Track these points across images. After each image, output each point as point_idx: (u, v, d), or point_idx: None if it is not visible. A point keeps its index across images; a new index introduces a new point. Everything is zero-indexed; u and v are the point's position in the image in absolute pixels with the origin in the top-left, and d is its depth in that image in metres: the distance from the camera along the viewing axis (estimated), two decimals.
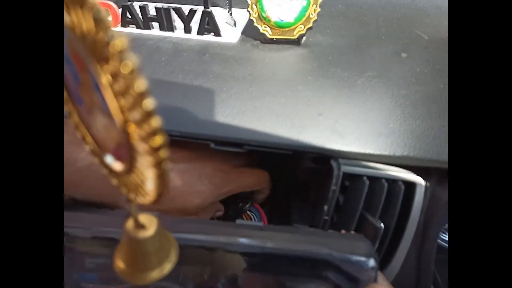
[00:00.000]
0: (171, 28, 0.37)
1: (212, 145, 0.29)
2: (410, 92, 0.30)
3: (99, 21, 0.08)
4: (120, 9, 0.38)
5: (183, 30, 0.37)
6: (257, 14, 0.35)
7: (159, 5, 0.36)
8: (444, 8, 0.44)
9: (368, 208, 0.29)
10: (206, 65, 0.33)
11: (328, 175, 0.28)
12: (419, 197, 0.27)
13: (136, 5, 0.37)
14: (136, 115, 0.09)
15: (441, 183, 0.28)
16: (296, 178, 0.35)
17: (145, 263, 0.14)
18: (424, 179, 0.27)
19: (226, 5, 0.39)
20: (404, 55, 0.34)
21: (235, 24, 0.39)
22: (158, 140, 0.09)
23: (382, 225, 0.28)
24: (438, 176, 0.27)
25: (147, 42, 0.37)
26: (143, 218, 0.14)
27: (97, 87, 0.10)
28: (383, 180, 0.28)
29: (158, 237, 0.14)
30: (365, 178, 0.28)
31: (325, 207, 0.28)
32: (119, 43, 0.08)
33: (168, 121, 0.28)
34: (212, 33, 0.37)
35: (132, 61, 0.08)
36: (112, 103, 0.09)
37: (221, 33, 0.37)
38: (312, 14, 0.34)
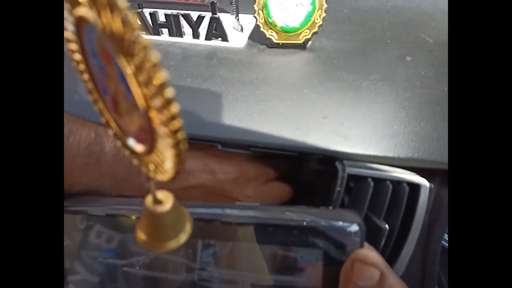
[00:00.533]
0: (180, 34, 0.38)
1: (219, 147, 0.30)
2: (415, 95, 0.30)
3: (127, 23, 0.09)
4: None
5: (192, 36, 0.38)
6: (263, 19, 0.36)
7: (169, 11, 0.37)
8: (447, 10, 0.44)
9: (373, 209, 0.29)
10: (214, 69, 0.34)
11: (333, 176, 0.29)
12: (423, 198, 0.28)
13: (146, 12, 0.38)
14: (157, 102, 0.10)
15: (445, 185, 0.28)
16: (302, 180, 0.35)
17: (164, 234, 0.16)
18: (428, 180, 0.28)
19: (233, 11, 0.40)
20: (409, 58, 0.35)
21: (242, 30, 0.40)
22: (177, 124, 0.10)
23: (387, 226, 0.28)
24: (442, 177, 0.28)
25: (157, 48, 0.38)
26: (161, 194, 0.15)
27: (122, 78, 0.11)
28: (388, 182, 0.28)
29: (174, 211, 0.16)
30: (369, 179, 0.28)
31: (330, 208, 0.29)
32: (144, 42, 0.09)
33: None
34: (220, 38, 0.38)
35: (154, 56, 0.09)
36: (137, 92, 0.10)
37: (229, 38, 0.38)
38: (317, 19, 0.35)
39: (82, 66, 0.14)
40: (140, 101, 0.11)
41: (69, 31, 0.13)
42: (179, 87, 0.32)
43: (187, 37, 0.39)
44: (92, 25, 0.10)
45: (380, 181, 0.28)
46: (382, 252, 0.29)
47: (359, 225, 0.23)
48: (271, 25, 0.36)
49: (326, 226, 0.24)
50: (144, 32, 0.39)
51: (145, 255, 0.25)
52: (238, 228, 0.25)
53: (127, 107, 0.13)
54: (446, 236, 0.35)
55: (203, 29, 0.38)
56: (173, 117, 0.10)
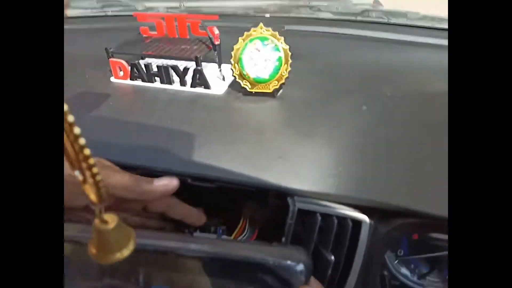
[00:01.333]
0: (169, 81, 0.45)
1: (189, 181, 0.34)
2: (361, 141, 0.34)
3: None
4: (130, 67, 0.46)
5: (179, 83, 0.45)
6: (238, 71, 0.42)
7: (160, 63, 0.44)
8: (414, 66, 0.49)
9: (322, 242, 0.32)
10: (194, 113, 0.40)
11: (285, 211, 0.32)
12: (364, 233, 0.31)
13: (142, 63, 0.45)
14: (77, 147, 0.15)
15: (382, 221, 0.31)
16: (260, 214, 0.38)
17: (109, 248, 0.20)
18: (369, 217, 0.31)
19: (216, 63, 0.46)
20: (364, 108, 0.39)
21: (224, 79, 0.46)
22: (91, 162, 0.15)
23: (333, 257, 0.31)
24: (380, 214, 0.31)
25: (148, 93, 0.44)
26: (107, 216, 0.20)
27: None
28: (334, 217, 0.32)
29: (118, 229, 0.20)
30: (318, 214, 0.32)
31: (283, 239, 0.32)
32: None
33: (154, 159, 0.34)
34: (203, 86, 0.44)
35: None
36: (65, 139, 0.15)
37: (211, 86, 0.44)
38: (284, 72, 0.40)
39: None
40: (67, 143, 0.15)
41: None
42: (159, 128, 0.38)
43: (176, 85, 0.45)
44: None
45: (327, 217, 0.32)
46: (330, 282, 0.31)
47: (304, 264, 0.25)
48: (245, 76, 0.41)
49: (274, 264, 0.25)
50: (140, 80, 0.46)
51: None
52: (191, 261, 0.27)
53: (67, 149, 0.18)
54: (395, 267, 0.37)
55: (189, 78, 0.44)
56: (86, 157, 0.15)
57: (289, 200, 0.32)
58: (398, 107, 0.39)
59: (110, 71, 0.48)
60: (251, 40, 0.40)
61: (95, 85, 0.46)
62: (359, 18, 0.68)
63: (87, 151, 0.15)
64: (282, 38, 0.40)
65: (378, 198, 0.30)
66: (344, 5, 0.73)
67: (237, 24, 0.60)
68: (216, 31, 0.44)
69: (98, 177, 0.15)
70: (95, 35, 0.66)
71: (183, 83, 0.44)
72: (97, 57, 0.52)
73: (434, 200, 0.29)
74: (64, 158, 0.19)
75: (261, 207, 0.38)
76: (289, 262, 0.25)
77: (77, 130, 0.14)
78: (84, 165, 0.15)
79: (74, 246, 0.27)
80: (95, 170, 0.15)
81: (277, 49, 0.40)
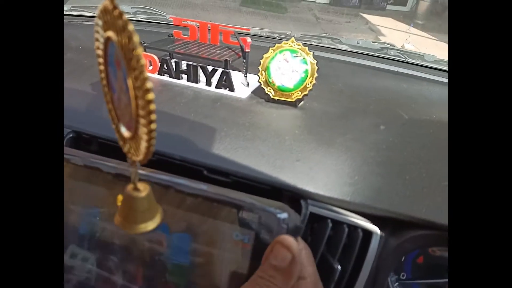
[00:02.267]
0: (196, 80, 0.46)
1: (205, 172, 0.35)
2: (378, 155, 0.35)
3: (131, 39, 0.15)
4: (160, 62, 0.48)
5: (205, 83, 0.46)
6: (264, 78, 0.43)
7: (190, 62, 0.46)
8: (430, 98, 0.50)
9: (329, 249, 0.32)
10: (216, 110, 0.41)
11: (298, 213, 0.32)
12: (374, 244, 0.31)
13: (172, 60, 0.47)
14: (142, 101, 0.15)
15: (394, 234, 0.31)
16: None
17: (135, 218, 0.20)
18: (380, 229, 0.31)
19: (243, 70, 0.48)
20: (382, 127, 0.40)
21: (248, 85, 0.47)
22: (152, 117, 0.15)
23: (339, 266, 0.31)
24: (391, 227, 0.31)
25: (174, 88, 0.45)
26: (140, 184, 0.20)
27: (125, 81, 0.17)
28: (345, 225, 0.32)
29: (148, 199, 0.20)
30: (329, 220, 0.32)
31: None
32: (139, 51, 0.15)
33: (174, 147, 0.35)
34: (227, 88, 0.45)
35: (143, 64, 0.15)
36: (132, 92, 0.16)
37: (235, 89, 0.45)
38: (308, 85, 0.42)
39: (103, 74, 0.20)
40: (133, 98, 0.16)
41: (100, 49, 0.19)
42: (183, 119, 0.39)
43: (201, 84, 0.46)
44: (113, 42, 0.17)
45: (338, 224, 0.32)
46: None
47: (289, 214, 0.26)
48: (270, 83, 0.43)
49: (260, 208, 0.27)
50: (167, 75, 0.48)
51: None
52: (188, 198, 0.28)
53: (125, 103, 0.19)
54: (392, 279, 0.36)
55: (215, 80, 0.46)
56: (150, 112, 0.15)
57: (302, 202, 0.32)
58: (415, 129, 0.40)
59: None
60: (281, 51, 0.42)
61: None
62: (377, 54, 0.72)
63: (153, 106, 0.15)
64: (311, 53, 0.42)
65: (392, 208, 0.30)
66: (364, 40, 0.77)
67: (262, 44, 0.63)
68: (249, 39, 0.46)
69: (154, 134, 0.16)
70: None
71: (208, 83, 0.46)
72: None
73: (445, 211, 0.29)
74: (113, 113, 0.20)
75: None
76: (273, 209, 0.27)
77: (149, 84, 0.15)
78: (143, 121, 0.16)
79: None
80: (153, 126, 0.16)
81: (305, 62, 0.42)
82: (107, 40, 0.18)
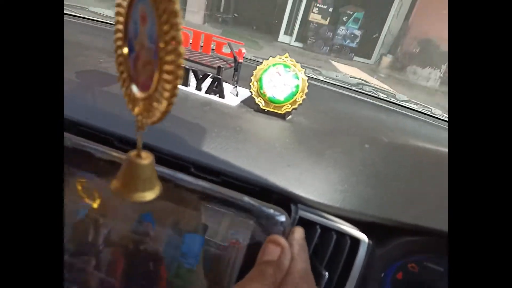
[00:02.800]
0: (186, 83, 0.46)
1: (192, 169, 0.33)
2: (366, 169, 0.36)
3: None
4: None
5: (195, 87, 0.46)
6: (256, 88, 0.44)
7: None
8: (406, 130, 0.54)
9: (318, 256, 0.31)
10: (205, 113, 0.40)
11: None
12: (362, 252, 0.30)
13: None
14: (170, 56, 0.15)
15: (381, 242, 0.31)
16: None
17: (135, 186, 0.18)
18: (368, 237, 0.31)
19: (233, 80, 0.49)
20: (367, 146, 0.42)
21: (237, 95, 0.48)
22: (180, 72, 0.15)
23: (327, 273, 0.30)
24: (379, 234, 0.31)
25: None
26: (143, 152, 0.19)
27: (150, 35, 0.16)
28: (333, 232, 0.31)
29: (150, 168, 0.19)
30: (317, 226, 0.31)
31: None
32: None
33: (164, 142, 0.33)
34: (218, 95, 0.45)
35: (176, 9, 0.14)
36: (161, 39, 0.15)
37: (225, 96, 0.45)
38: (298, 99, 0.43)
39: (119, 34, 0.19)
40: (161, 44, 0.16)
41: (122, 6, 0.19)
42: (172, 117, 0.37)
43: (191, 88, 0.46)
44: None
45: (326, 230, 0.31)
46: None
47: (286, 217, 0.27)
48: (261, 94, 0.44)
49: (259, 210, 0.28)
50: None
51: None
52: (187, 193, 0.28)
53: (143, 61, 0.18)
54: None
55: (205, 86, 0.46)
56: (178, 65, 0.15)
57: (292, 207, 0.32)
58: (396, 149, 0.42)
59: None
60: (274, 65, 0.43)
61: (110, 68, 0.46)
62: (353, 88, 0.76)
63: (181, 60, 0.15)
64: (303, 70, 0.44)
65: (381, 214, 0.30)
66: (342, 75, 0.82)
67: (247, 63, 0.65)
68: (244, 50, 0.47)
69: (177, 91, 0.16)
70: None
71: (199, 87, 0.46)
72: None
73: (433, 216, 0.30)
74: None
75: None
76: (272, 211, 0.28)
77: (179, 20, 0.15)
78: (167, 76, 0.16)
79: None
80: (182, 50, 0.15)
81: (297, 77, 0.43)
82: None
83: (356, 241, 0.31)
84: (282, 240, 0.26)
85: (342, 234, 0.31)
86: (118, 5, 0.19)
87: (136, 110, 0.19)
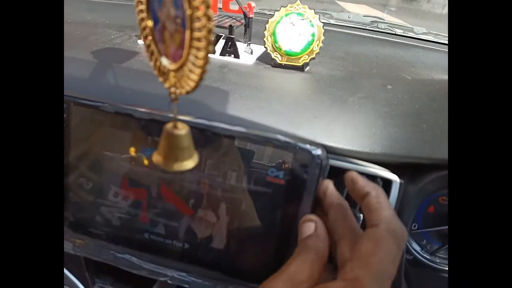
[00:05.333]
0: None
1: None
2: (392, 110, 0.36)
3: None
4: None
5: None
6: (271, 43, 0.43)
7: None
8: (428, 64, 0.52)
9: (350, 201, 0.32)
10: (224, 75, 0.40)
11: None
12: (394, 192, 0.32)
13: None
14: (198, 22, 0.15)
15: (413, 180, 0.32)
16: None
17: (175, 156, 0.20)
18: (399, 177, 0.32)
19: (245, 38, 0.48)
20: (389, 87, 0.41)
21: (251, 53, 0.47)
22: (210, 39, 0.15)
23: (361, 215, 0.32)
24: (410, 173, 0.32)
25: None
26: (179, 123, 0.20)
27: (176, 5, 0.16)
28: (364, 176, 0.32)
29: (187, 138, 0.20)
30: None
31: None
32: None
33: (187, 109, 0.34)
34: (233, 55, 0.45)
35: None
36: (188, 8, 0.15)
37: (240, 56, 0.44)
38: (315, 48, 0.42)
39: (143, 6, 0.19)
40: (188, 13, 0.16)
41: None
42: None
43: None
44: None
45: None
46: None
47: (322, 150, 0.29)
48: (276, 48, 0.43)
49: (295, 146, 0.29)
50: None
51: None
52: (224, 139, 0.31)
53: (171, 31, 0.18)
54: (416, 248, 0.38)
55: (218, 49, 0.45)
56: (209, 34, 0.15)
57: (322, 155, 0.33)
58: (420, 86, 0.41)
59: (136, 35, 0.49)
60: (287, 14, 0.42)
61: (122, 44, 0.46)
62: (368, 28, 0.73)
63: (211, 24, 0.15)
64: (317, 16, 0.42)
65: (412, 153, 0.31)
66: (355, 15, 0.78)
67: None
68: (253, 4, 0.45)
69: (209, 59, 0.16)
70: (116, 8, 0.68)
71: (212, 50, 0.45)
72: (123, 25, 0.53)
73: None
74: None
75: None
76: (308, 146, 0.30)
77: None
78: (197, 43, 0.16)
79: None
80: (211, 14, 0.15)
81: (312, 25, 0.42)
82: None
83: (388, 182, 0.32)
84: (311, 216, 0.27)
85: (373, 177, 0.32)
86: None
87: (167, 84, 0.19)
